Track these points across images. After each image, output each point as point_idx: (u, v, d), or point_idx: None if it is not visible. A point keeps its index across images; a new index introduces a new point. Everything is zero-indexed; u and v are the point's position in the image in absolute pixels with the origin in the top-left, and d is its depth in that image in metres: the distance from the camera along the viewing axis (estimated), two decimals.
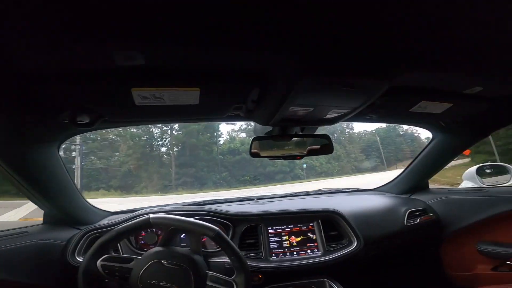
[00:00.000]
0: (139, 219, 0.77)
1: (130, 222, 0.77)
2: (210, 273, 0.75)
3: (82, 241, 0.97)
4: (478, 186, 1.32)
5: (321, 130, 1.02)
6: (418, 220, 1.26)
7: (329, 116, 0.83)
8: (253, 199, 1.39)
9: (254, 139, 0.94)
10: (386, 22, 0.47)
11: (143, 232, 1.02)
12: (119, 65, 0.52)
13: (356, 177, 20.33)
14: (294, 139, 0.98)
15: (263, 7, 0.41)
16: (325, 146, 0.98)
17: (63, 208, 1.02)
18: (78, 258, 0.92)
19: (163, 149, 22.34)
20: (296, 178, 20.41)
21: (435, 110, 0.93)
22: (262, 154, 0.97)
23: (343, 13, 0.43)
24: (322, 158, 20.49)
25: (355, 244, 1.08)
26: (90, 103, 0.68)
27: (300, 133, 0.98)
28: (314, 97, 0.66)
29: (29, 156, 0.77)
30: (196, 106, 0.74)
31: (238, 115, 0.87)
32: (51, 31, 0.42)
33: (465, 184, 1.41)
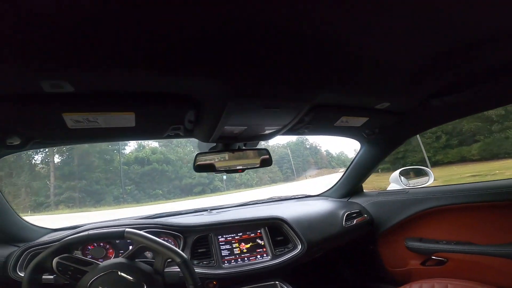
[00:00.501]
0: (113, 229, 0.80)
1: (104, 230, 0.79)
2: None
3: (22, 257, 0.96)
4: (402, 188, 1.51)
5: (263, 144, 1.11)
6: (354, 222, 1.40)
7: (264, 132, 0.92)
8: (206, 210, 1.46)
9: (198, 155, 0.99)
10: (302, 53, 0.55)
11: (91, 245, 1.03)
12: (49, 92, 0.53)
13: (272, 187, 21.76)
14: (236, 153, 1.04)
15: (187, 35, 0.44)
16: (265, 159, 1.08)
17: None
18: (20, 274, 0.93)
19: (38, 157, 17.22)
20: (215, 190, 20.22)
21: (355, 124, 1.09)
22: (205, 168, 1.01)
23: (262, 45, 0.51)
24: None
25: (300, 247, 1.17)
26: (20, 126, 0.68)
27: (243, 147, 1.08)
28: (244, 117, 0.74)
29: None
30: (133, 128, 0.76)
31: (178, 134, 0.89)
32: None
33: (392, 186, 1.58)
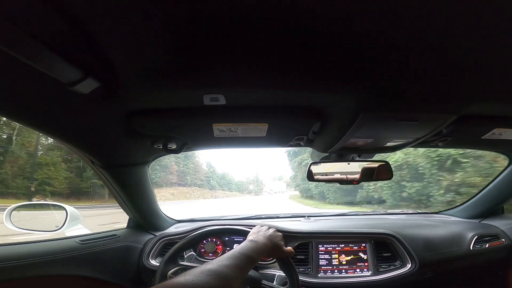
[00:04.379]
0: (238, 227, 0.96)
1: (230, 227, 0.97)
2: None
3: (156, 245, 1.13)
4: None
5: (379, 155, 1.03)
6: (487, 245, 1.25)
7: (389, 144, 0.85)
8: (304, 216, 1.50)
9: (312, 164, 1.00)
10: (452, 59, 0.48)
11: (204, 241, 1.16)
12: (206, 105, 0.64)
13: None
14: (353, 164, 0.99)
15: (322, 54, 0.46)
16: (384, 172, 1.00)
17: (144, 215, 1.19)
18: (151, 262, 1.08)
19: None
20: None
21: (511, 137, 0.91)
22: (319, 178, 1.02)
23: (405, 53, 0.46)
24: None
25: (409, 266, 1.10)
26: (179, 134, 0.82)
27: (357, 158, 1.01)
28: (374, 130, 0.70)
29: (129, 174, 0.97)
30: (263, 137, 0.84)
31: (299, 144, 0.94)
32: (159, 77, 0.53)
33: None
